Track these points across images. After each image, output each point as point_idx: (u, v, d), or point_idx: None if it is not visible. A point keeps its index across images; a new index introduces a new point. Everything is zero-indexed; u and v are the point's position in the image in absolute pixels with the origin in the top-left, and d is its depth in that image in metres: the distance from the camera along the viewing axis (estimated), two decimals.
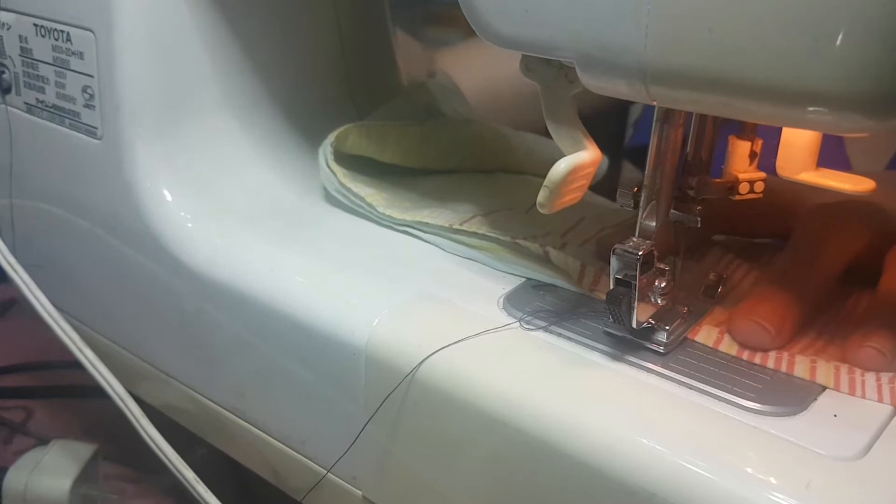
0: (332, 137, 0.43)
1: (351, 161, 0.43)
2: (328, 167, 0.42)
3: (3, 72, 0.48)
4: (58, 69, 0.45)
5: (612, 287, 0.30)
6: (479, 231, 0.38)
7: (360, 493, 0.36)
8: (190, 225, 0.41)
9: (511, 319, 0.33)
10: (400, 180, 0.45)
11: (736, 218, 0.38)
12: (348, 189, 0.42)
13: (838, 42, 0.21)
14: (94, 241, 0.46)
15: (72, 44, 0.43)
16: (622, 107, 0.89)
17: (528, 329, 0.33)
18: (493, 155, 0.49)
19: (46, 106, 0.46)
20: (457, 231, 0.39)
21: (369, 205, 0.41)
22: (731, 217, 0.38)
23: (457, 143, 0.48)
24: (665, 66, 0.24)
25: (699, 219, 0.31)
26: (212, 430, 0.44)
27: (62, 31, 0.43)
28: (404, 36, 0.74)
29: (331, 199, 0.44)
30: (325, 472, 0.37)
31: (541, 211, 0.29)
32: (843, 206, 0.35)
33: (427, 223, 0.40)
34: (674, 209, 0.31)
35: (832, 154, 0.57)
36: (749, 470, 0.25)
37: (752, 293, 0.33)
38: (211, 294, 0.40)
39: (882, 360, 0.30)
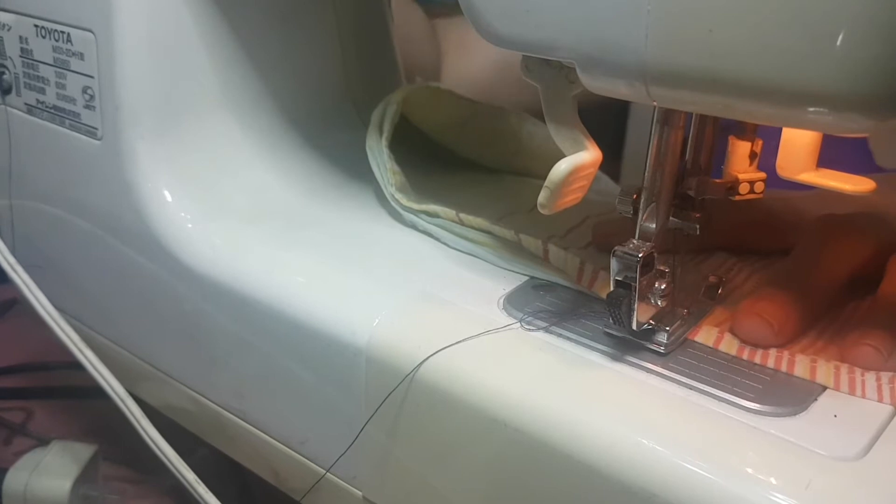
0: (398, 95, 0.43)
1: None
2: (379, 126, 0.43)
3: (4, 73, 0.48)
4: (58, 70, 0.45)
5: (612, 289, 0.30)
6: (483, 226, 0.38)
7: (359, 493, 0.36)
8: (190, 225, 0.41)
9: (511, 320, 0.33)
10: (421, 170, 0.45)
11: (738, 236, 0.38)
12: (382, 153, 0.42)
13: (838, 42, 0.21)
14: (95, 242, 0.46)
15: (72, 44, 0.43)
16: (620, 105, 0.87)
17: (529, 329, 0.33)
18: (528, 153, 0.49)
19: (47, 107, 0.46)
20: (460, 223, 0.39)
21: (390, 173, 0.42)
22: (733, 234, 0.38)
23: (496, 135, 0.48)
24: (665, 66, 0.24)
25: (698, 227, 0.31)
26: (212, 430, 0.44)
27: (62, 32, 0.43)
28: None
29: (331, 200, 0.44)
30: (325, 471, 0.37)
31: (542, 211, 0.29)
32: (848, 217, 0.35)
33: (430, 213, 0.40)
34: (673, 216, 0.31)
35: (855, 151, 0.57)
36: (749, 470, 0.25)
37: (755, 293, 0.33)
38: (211, 294, 0.40)
39: (879, 357, 0.30)
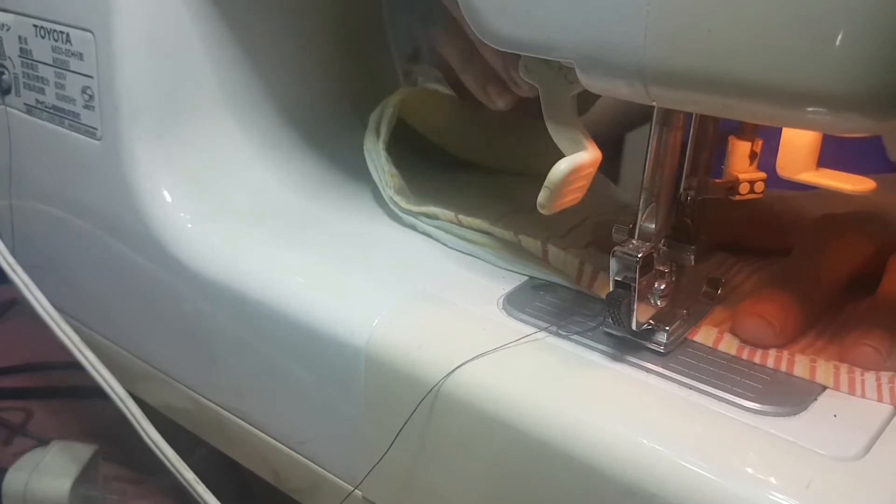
0: (395, 98, 0.43)
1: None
2: (377, 128, 0.43)
3: (3, 73, 0.48)
4: (57, 70, 0.45)
5: (611, 289, 0.30)
6: (482, 227, 0.38)
7: (360, 493, 0.36)
8: (190, 226, 0.41)
9: (514, 321, 0.33)
10: (420, 171, 0.45)
11: (738, 235, 0.38)
12: (380, 155, 0.42)
13: (838, 42, 0.21)
14: (94, 242, 0.46)
15: (71, 44, 0.43)
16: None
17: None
18: (527, 153, 0.49)
19: (46, 107, 0.46)
20: (459, 224, 0.39)
21: (388, 175, 0.42)
22: (733, 234, 0.38)
23: (495, 135, 0.48)
24: (664, 66, 0.24)
25: (693, 257, 0.31)
26: (212, 430, 0.44)
27: (62, 32, 0.43)
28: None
29: (331, 200, 0.44)
30: (352, 489, 0.37)
31: (541, 211, 0.29)
32: (849, 216, 0.35)
33: (429, 215, 0.40)
34: (667, 246, 0.31)
35: (868, 146, 0.57)
36: (749, 470, 0.25)
37: (756, 293, 0.33)
38: (210, 294, 0.40)
39: (878, 357, 0.30)
